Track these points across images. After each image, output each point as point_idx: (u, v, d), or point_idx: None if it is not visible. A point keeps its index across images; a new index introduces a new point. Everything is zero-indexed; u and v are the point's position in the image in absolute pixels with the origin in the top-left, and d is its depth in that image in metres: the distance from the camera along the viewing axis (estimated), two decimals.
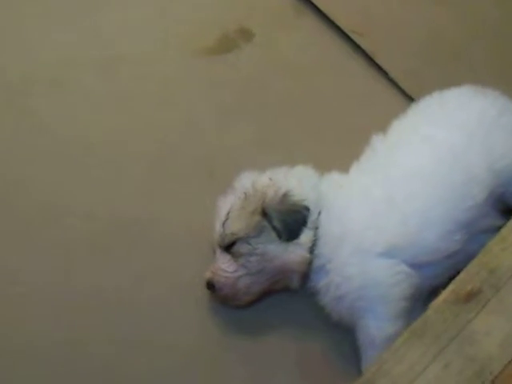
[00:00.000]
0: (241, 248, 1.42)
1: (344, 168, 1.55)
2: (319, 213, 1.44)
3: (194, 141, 1.69)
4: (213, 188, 1.57)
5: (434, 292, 1.45)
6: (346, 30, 1.80)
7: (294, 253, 1.41)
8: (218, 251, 1.46)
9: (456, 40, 1.83)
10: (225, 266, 1.44)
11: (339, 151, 1.64)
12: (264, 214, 1.42)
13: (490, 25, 1.85)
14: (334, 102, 1.74)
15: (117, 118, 1.70)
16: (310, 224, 1.42)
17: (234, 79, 1.77)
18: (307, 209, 1.43)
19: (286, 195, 1.43)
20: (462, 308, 1.25)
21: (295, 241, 1.41)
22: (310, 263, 1.42)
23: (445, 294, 1.27)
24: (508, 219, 1.49)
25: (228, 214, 1.45)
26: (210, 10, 1.84)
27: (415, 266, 1.42)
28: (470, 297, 1.26)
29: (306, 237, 1.42)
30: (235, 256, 1.44)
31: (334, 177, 1.52)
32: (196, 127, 1.71)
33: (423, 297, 1.45)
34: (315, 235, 1.43)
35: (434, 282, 1.46)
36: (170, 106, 1.73)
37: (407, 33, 1.85)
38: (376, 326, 1.41)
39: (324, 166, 1.54)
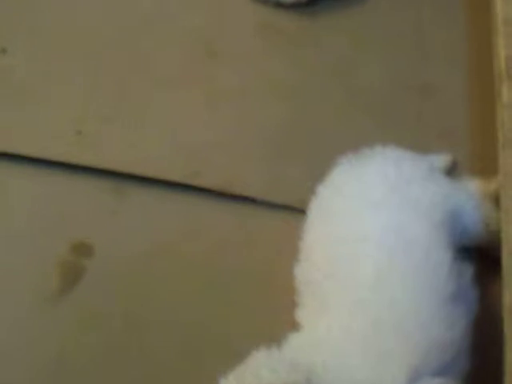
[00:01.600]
0: None
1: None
2: None
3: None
4: None
5: None
6: (180, 180, 1.53)
7: None
8: None
9: (305, 126, 1.64)
10: None
11: (273, 315, 1.38)
12: None
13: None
14: (198, 275, 1.47)
15: None
16: None
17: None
18: None
19: None
20: None
21: None
22: None
23: None
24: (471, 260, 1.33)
25: None
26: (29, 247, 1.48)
27: (444, 370, 1.19)
28: None
29: None
30: None
31: (293, 343, 1.23)
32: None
33: None
34: None
35: (466, 366, 1.24)
36: None
37: (249, 149, 1.62)
38: None
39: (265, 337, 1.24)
